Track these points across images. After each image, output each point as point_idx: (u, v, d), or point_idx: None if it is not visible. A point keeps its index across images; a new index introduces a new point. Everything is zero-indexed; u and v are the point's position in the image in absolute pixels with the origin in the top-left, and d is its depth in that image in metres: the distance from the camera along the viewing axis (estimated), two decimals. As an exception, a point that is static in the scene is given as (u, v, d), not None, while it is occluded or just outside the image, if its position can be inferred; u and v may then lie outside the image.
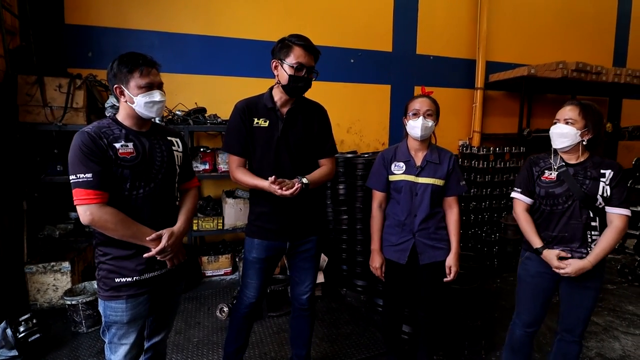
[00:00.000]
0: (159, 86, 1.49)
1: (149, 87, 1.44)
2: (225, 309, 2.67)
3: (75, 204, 1.36)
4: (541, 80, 4.95)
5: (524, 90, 4.96)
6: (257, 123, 1.76)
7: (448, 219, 1.96)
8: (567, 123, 1.73)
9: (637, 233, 3.66)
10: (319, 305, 3.09)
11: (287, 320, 2.84)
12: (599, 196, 1.69)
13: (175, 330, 2.69)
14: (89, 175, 1.34)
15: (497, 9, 5.22)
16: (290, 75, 1.67)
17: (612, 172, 1.70)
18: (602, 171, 1.71)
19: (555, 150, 1.81)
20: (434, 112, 1.90)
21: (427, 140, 1.95)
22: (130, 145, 1.45)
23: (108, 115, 3.07)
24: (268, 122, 1.76)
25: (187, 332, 2.68)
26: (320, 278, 3.20)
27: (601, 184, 1.69)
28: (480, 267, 3.32)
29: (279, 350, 2.47)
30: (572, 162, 1.77)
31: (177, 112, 3.55)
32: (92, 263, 3.39)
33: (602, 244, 1.70)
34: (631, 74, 5.29)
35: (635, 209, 3.52)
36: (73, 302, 2.63)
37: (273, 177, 1.61)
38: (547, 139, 1.85)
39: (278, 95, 1.78)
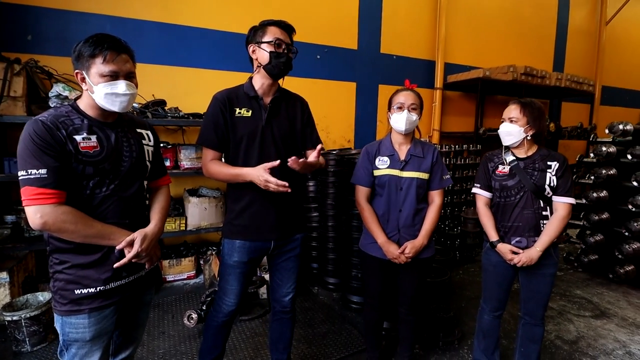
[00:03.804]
0: (127, 76, 1.29)
1: (112, 76, 1.24)
2: (194, 316, 2.50)
3: (24, 204, 1.16)
4: (493, 82, 5.23)
5: (479, 91, 5.22)
6: (240, 113, 1.65)
7: (427, 210, 1.96)
8: (511, 121, 1.88)
9: (580, 223, 3.99)
10: (292, 306, 3.01)
11: (260, 323, 2.73)
12: (547, 186, 1.85)
13: (137, 341, 2.46)
14: (43, 171, 1.15)
15: (455, 14, 5.44)
16: (270, 52, 1.60)
17: (557, 164, 1.87)
18: (548, 163, 1.88)
19: (507, 147, 1.95)
20: (419, 106, 1.91)
21: (410, 134, 1.95)
22: (94, 138, 1.27)
23: (53, 105, 2.75)
24: (251, 111, 1.66)
25: (151, 344, 2.47)
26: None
27: (548, 175, 1.85)
28: (447, 260, 3.44)
29: (255, 356, 2.35)
30: (522, 156, 1.92)
31: (133, 104, 3.27)
32: (34, 272, 3.03)
33: (548, 231, 1.85)
34: (570, 79, 5.78)
35: (579, 201, 3.84)
36: (14, 318, 2.32)
37: (277, 162, 1.52)
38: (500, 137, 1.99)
39: (259, 83, 1.68)
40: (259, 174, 1.51)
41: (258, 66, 1.65)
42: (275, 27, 1.63)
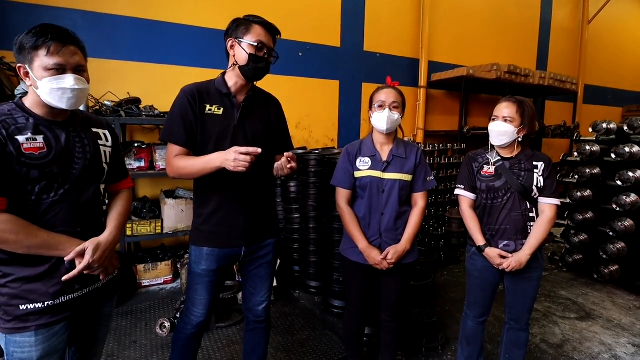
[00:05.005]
0: (75, 69, 1.17)
1: (58, 70, 1.13)
2: (167, 324, 2.38)
3: None
4: (477, 80, 5.22)
5: (463, 90, 5.19)
6: (210, 110, 1.52)
7: (410, 214, 1.87)
8: (505, 121, 1.78)
9: (565, 223, 3.99)
10: (272, 311, 2.90)
11: (237, 330, 2.62)
12: (534, 187, 1.78)
13: (106, 352, 2.33)
14: None
15: (438, 12, 5.41)
16: (250, 55, 1.48)
17: (544, 164, 1.80)
18: (534, 163, 1.81)
19: (492, 146, 1.87)
20: (400, 105, 1.82)
21: (393, 134, 1.86)
22: (40, 138, 1.15)
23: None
24: (222, 109, 1.54)
25: (121, 354, 2.34)
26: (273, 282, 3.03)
27: (535, 175, 1.79)
28: (431, 261, 3.38)
29: (230, 365, 2.25)
30: (507, 156, 1.85)
31: (106, 102, 3.13)
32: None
33: (536, 233, 1.79)
34: (553, 77, 5.80)
35: (564, 200, 3.83)
36: (-29, 330, 2.16)
37: (259, 149, 1.33)
38: (485, 137, 1.91)
39: (233, 80, 1.57)
40: (226, 152, 1.36)
41: (234, 64, 1.53)
42: (260, 28, 1.51)
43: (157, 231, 3.28)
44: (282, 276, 3.31)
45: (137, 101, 3.33)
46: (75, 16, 3.33)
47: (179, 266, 3.44)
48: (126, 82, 3.51)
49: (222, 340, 2.50)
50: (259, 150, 1.34)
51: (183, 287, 3.21)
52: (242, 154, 1.32)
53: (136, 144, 3.27)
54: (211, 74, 3.85)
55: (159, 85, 3.65)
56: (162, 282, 3.39)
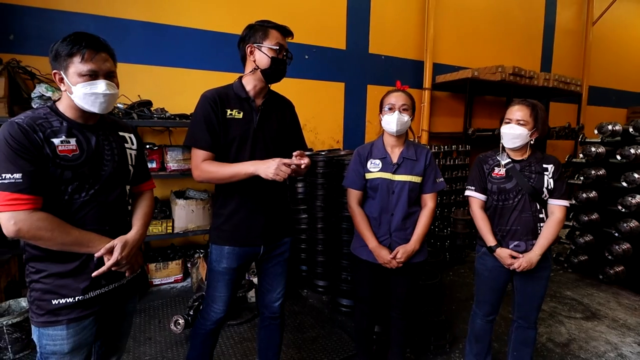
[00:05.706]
0: (107, 75, 1.23)
1: (91, 76, 1.19)
2: (181, 321, 2.44)
3: None
4: (482, 82, 5.25)
5: (468, 91, 5.23)
6: (231, 114, 1.59)
7: (420, 214, 1.92)
8: (519, 123, 1.81)
9: (570, 224, 4.03)
10: (281, 310, 2.97)
11: (249, 328, 2.68)
12: (544, 189, 1.82)
13: (122, 349, 2.39)
14: (18, 175, 1.10)
15: (443, 14, 5.45)
16: (272, 58, 1.56)
17: (553, 167, 1.84)
18: (544, 165, 1.85)
19: (503, 147, 1.91)
20: (410, 107, 1.86)
21: (403, 136, 1.91)
22: (73, 141, 1.22)
23: (36, 106, 2.67)
24: (242, 113, 1.61)
25: (137, 350, 2.40)
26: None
27: (545, 178, 1.83)
28: (437, 261, 3.42)
29: (243, 361, 2.31)
30: (519, 158, 1.88)
31: (118, 105, 3.19)
32: (17, 277, 2.93)
33: (546, 234, 1.83)
34: (558, 79, 5.83)
35: (570, 201, 3.86)
36: (-6, 326, 2.23)
37: (292, 160, 1.43)
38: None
39: (252, 84, 1.63)
40: (267, 161, 1.44)
41: (255, 68, 1.59)
42: (277, 32, 1.58)
43: (168, 231, 3.34)
44: (290, 275, 3.36)
45: (148, 104, 3.39)
46: (87, 20, 3.41)
47: (189, 265, 3.51)
48: (137, 85, 3.57)
49: (234, 337, 2.56)
50: (303, 161, 1.43)
51: (194, 286, 3.28)
52: (285, 164, 1.40)
53: (147, 146, 3.33)
54: (219, 76, 3.96)
55: (170, 88, 3.72)
56: (173, 280, 3.45)
